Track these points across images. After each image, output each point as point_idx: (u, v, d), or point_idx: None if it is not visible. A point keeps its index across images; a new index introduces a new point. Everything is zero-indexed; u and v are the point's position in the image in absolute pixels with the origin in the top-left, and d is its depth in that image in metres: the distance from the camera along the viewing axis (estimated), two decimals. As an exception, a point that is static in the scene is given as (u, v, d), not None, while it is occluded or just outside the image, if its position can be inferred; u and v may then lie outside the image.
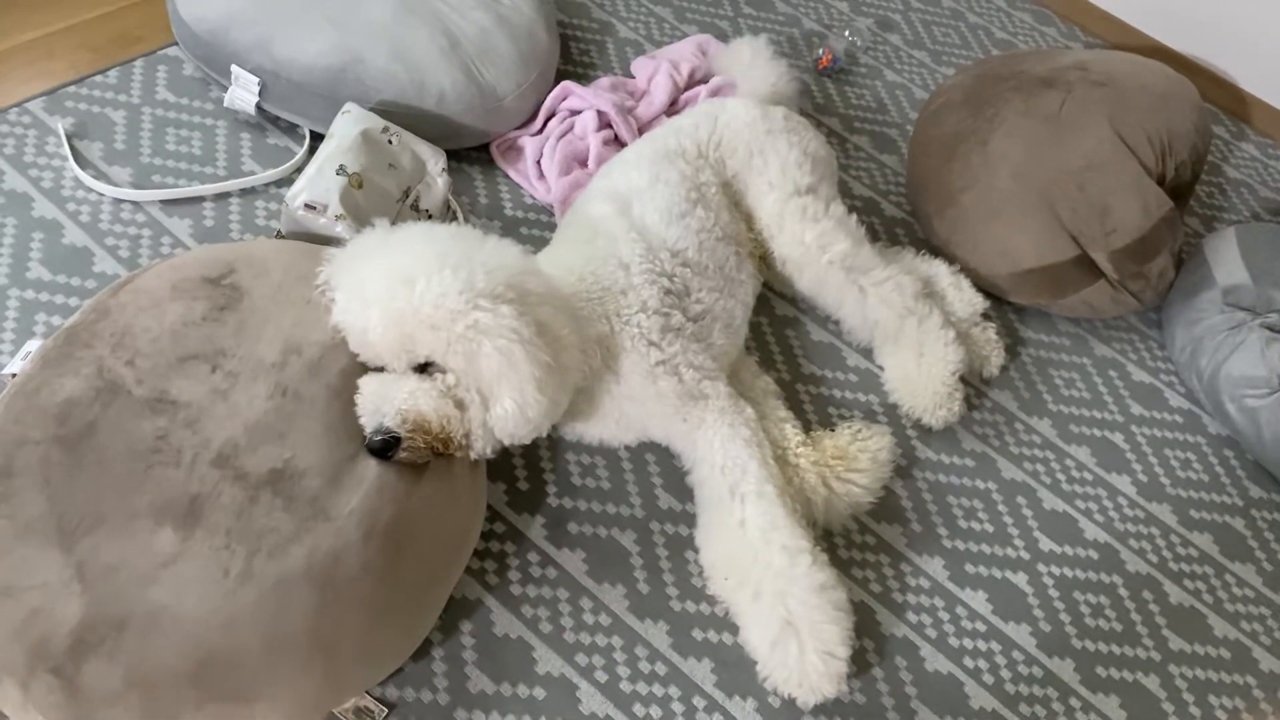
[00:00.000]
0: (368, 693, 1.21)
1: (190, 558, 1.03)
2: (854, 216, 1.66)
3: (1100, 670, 1.45)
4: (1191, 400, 1.83)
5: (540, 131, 1.88)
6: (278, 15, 1.67)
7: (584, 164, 1.82)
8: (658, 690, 1.30)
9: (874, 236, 1.83)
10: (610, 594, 1.37)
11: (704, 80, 2.04)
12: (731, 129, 1.64)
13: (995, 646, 1.44)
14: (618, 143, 1.85)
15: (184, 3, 1.70)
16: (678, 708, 1.29)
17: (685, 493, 1.47)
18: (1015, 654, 1.44)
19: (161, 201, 1.62)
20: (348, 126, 1.56)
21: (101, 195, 1.60)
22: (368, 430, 1.16)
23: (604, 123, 1.86)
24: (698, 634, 1.36)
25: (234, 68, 1.68)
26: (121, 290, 1.21)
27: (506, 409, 1.18)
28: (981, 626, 1.46)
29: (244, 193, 1.67)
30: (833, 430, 1.53)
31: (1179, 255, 1.84)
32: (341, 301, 1.19)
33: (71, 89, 1.73)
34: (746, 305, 1.59)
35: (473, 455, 1.23)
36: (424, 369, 1.19)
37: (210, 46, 1.69)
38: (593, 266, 1.39)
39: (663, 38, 2.20)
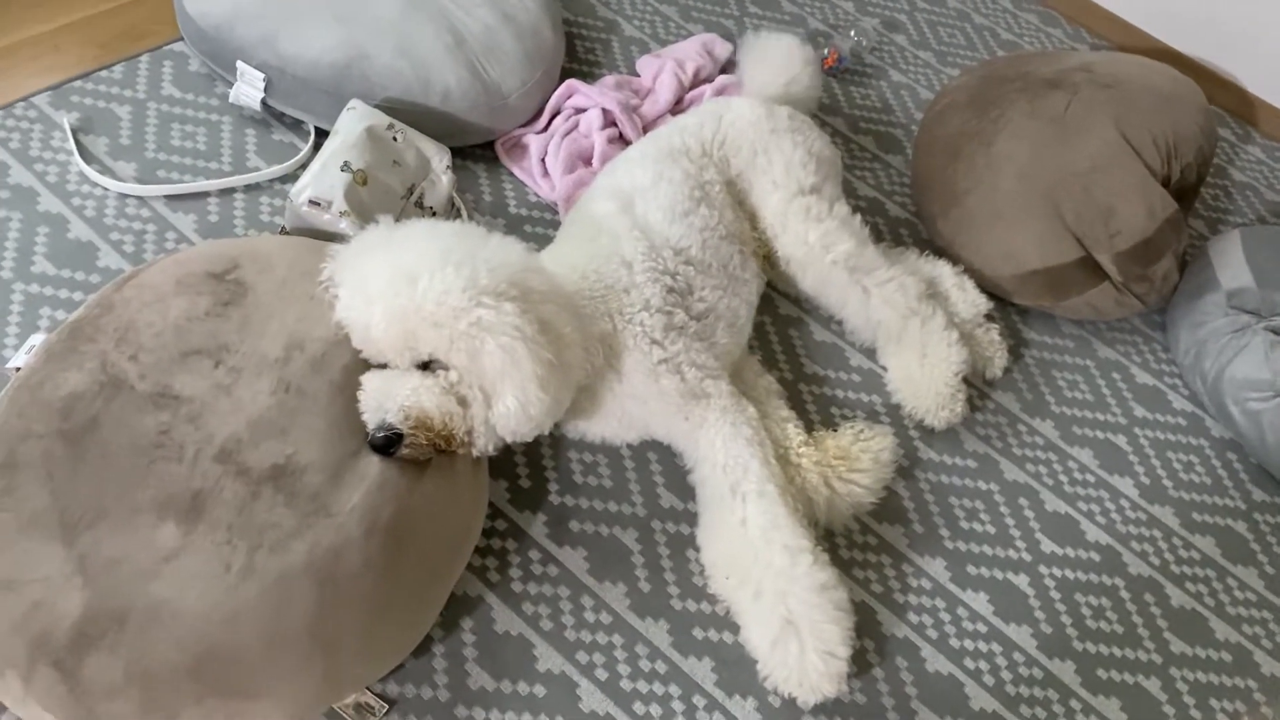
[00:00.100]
0: (368, 689, 1.21)
1: (192, 552, 1.04)
2: (858, 217, 1.66)
3: (1101, 672, 1.45)
4: (1195, 403, 1.83)
5: (545, 129, 1.88)
6: (283, 11, 1.68)
7: (588, 162, 1.82)
8: (658, 688, 1.30)
9: (878, 237, 1.83)
10: (611, 592, 1.37)
11: (709, 79, 2.04)
12: (736, 128, 1.64)
13: (996, 648, 1.44)
14: (622, 141, 1.85)
15: (190, -2, 1.70)
16: (678, 706, 1.29)
17: (687, 491, 1.47)
18: (1016, 655, 1.44)
19: (166, 197, 1.62)
20: (353, 123, 1.56)
21: (106, 190, 1.61)
22: (370, 427, 1.16)
23: (609, 121, 1.86)
24: (698, 632, 1.36)
25: (239, 64, 1.68)
26: (126, 285, 1.21)
27: (509, 406, 1.18)
28: (982, 628, 1.46)
29: (249, 189, 1.67)
30: (835, 430, 1.53)
31: (1183, 258, 1.83)
32: (345, 298, 1.19)
33: (77, 84, 1.73)
34: (750, 304, 1.59)
35: (475, 452, 1.23)
36: (427, 366, 1.19)
37: (216, 42, 1.69)
38: (596, 264, 1.39)
39: (668, 36, 2.20)
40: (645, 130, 1.86)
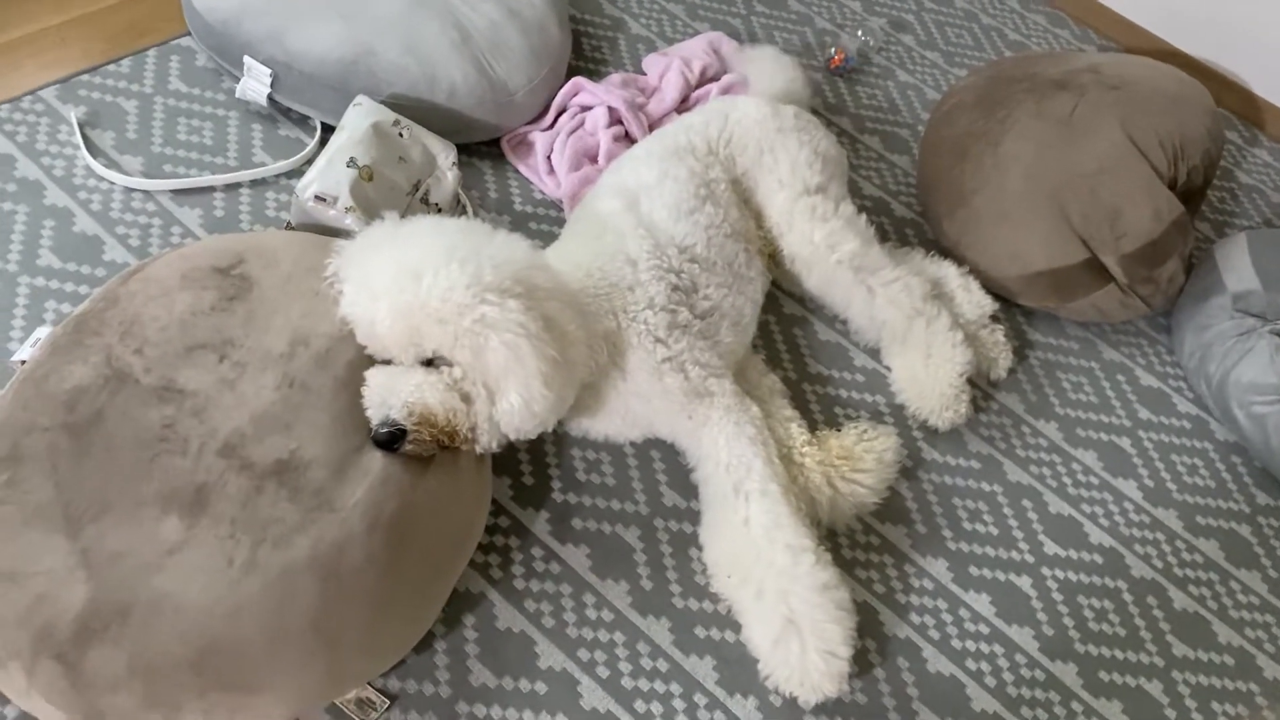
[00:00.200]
0: (370, 684, 1.21)
1: (195, 546, 1.04)
2: (863, 216, 1.66)
3: (1103, 675, 1.45)
4: (1199, 406, 1.83)
5: (551, 127, 1.88)
6: (290, 7, 1.68)
7: (594, 160, 1.82)
8: (659, 687, 1.30)
9: (883, 237, 1.82)
10: (613, 590, 1.37)
11: (715, 78, 2.04)
12: (742, 126, 1.64)
13: (998, 649, 1.44)
14: (628, 139, 1.85)
15: (197, -7, 1.70)
16: (679, 704, 1.29)
17: (690, 490, 1.47)
18: (1018, 657, 1.44)
19: (172, 191, 1.63)
20: (359, 119, 1.56)
21: (113, 184, 1.61)
22: (374, 422, 1.16)
23: (615, 119, 1.86)
24: (700, 631, 1.36)
25: (246, 59, 1.68)
26: (131, 279, 1.21)
27: (512, 403, 1.18)
28: (984, 629, 1.45)
29: (254, 184, 1.67)
30: (838, 430, 1.53)
31: (1189, 260, 1.83)
32: (350, 294, 1.19)
33: (84, 78, 1.73)
34: (755, 303, 1.59)
35: (478, 449, 1.23)
36: (431, 362, 1.19)
37: (223, 37, 1.70)
38: (600, 262, 1.39)
39: (675, 35, 2.20)
40: (651, 128, 1.86)
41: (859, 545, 1.49)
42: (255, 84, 1.70)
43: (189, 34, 1.81)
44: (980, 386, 1.74)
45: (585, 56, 2.09)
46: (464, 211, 1.71)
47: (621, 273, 1.39)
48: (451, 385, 1.17)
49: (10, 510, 1.02)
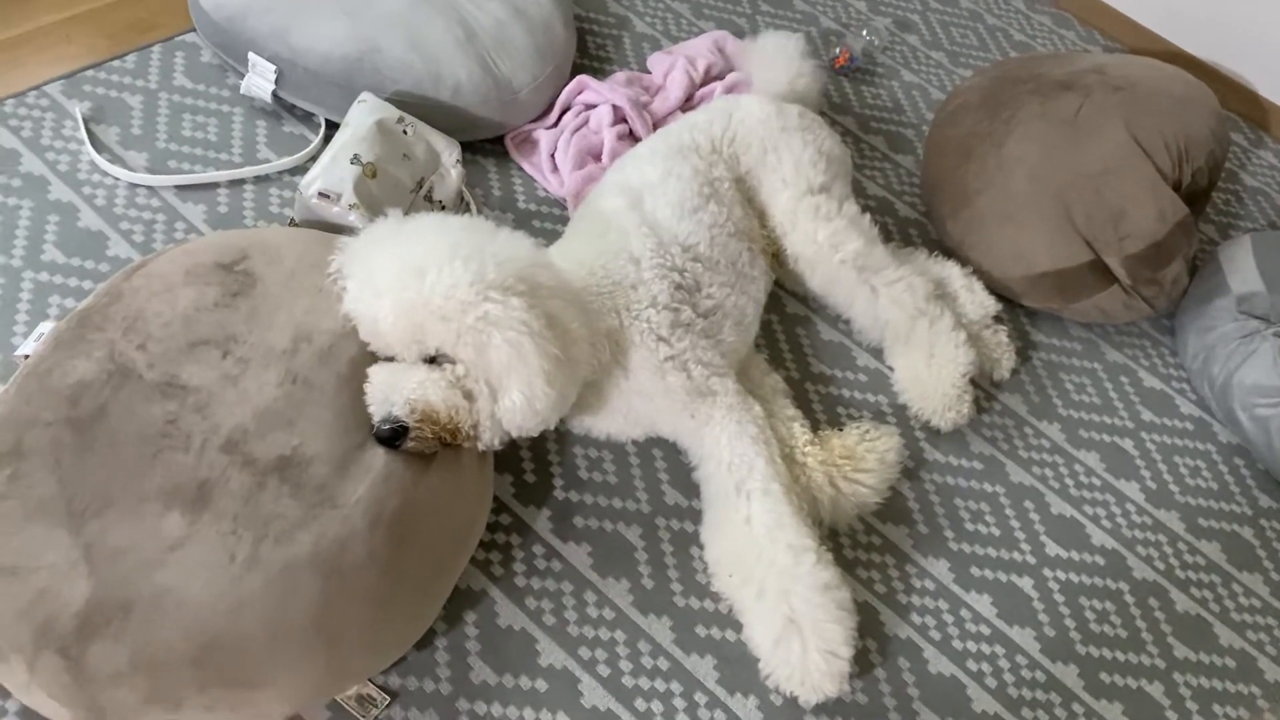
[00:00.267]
0: (370, 680, 1.21)
1: (197, 542, 1.04)
2: (867, 216, 1.66)
3: (1104, 676, 1.45)
4: (1202, 408, 1.82)
5: (555, 125, 1.88)
6: (295, 3, 1.68)
7: (598, 158, 1.82)
8: (660, 685, 1.30)
9: (887, 237, 1.82)
10: (614, 588, 1.37)
11: (720, 77, 2.04)
12: (746, 125, 1.64)
13: (999, 650, 1.44)
14: (632, 138, 1.85)
15: (203, -11, 1.71)
16: (679, 703, 1.30)
17: (691, 489, 1.47)
18: (1019, 658, 1.44)
19: (176, 187, 1.63)
20: (363, 116, 1.56)
21: (117, 179, 1.61)
22: (376, 419, 1.16)
23: (619, 117, 1.86)
24: (701, 630, 1.36)
25: (251, 55, 1.69)
26: (135, 274, 1.21)
27: (515, 401, 1.18)
28: (985, 630, 1.45)
29: (258, 180, 1.67)
30: (841, 430, 1.53)
31: (1193, 262, 1.83)
32: (353, 290, 1.19)
33: (89, 73, 1.74)
34: (758, 302, 1.59)
35: (480, 446, 1.23)
36: (434, 360, 1.19)
37: (228, 33, 1.70)
38: (604, 260, 1.39)
39: (680, 33, 2.20)
40: (655, 127, 1.86)
41: (860, 545, 1.49)
42: (260, 80, 1.70)
43: (194, 30, 1.81)
44: (983, 387, 1.73)
45: (590, 55, 2.09)
46: (468, 209, 1.71)
47: (625, 271, 1.39)
48: (454, 382, 1.17)
49: (13, 505, 1.02)
